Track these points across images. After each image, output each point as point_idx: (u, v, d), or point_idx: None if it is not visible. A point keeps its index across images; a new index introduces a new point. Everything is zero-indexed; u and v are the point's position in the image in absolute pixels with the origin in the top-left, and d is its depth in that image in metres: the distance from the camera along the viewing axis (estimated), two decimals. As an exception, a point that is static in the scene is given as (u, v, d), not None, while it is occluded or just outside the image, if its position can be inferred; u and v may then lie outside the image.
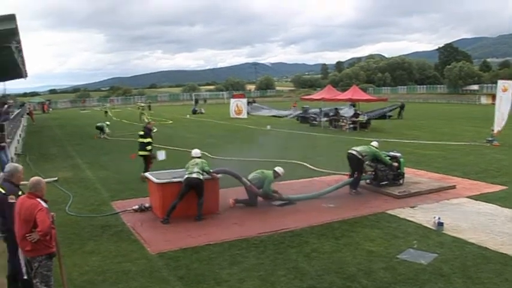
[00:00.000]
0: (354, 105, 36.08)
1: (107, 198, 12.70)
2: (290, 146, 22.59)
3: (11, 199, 6.12)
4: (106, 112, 62.97)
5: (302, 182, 14.39)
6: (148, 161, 15.00)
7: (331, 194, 12.49)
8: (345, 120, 32.16)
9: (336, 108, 35.60)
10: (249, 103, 52.31)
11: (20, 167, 6.61)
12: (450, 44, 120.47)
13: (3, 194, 6.24)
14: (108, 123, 31.09)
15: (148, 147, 15.03)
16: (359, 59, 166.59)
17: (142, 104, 53.45)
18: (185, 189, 10.34)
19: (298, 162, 17.83)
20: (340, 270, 7.45)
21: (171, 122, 41.36)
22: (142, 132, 15.34)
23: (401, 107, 41.81)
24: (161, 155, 15.11)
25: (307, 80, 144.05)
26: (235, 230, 9.66)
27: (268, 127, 32.68)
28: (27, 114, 50.85)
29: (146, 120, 41.39)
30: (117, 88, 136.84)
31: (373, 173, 13.26)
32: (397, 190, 12.66)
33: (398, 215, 10.56)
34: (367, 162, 13.04)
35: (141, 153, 15.14)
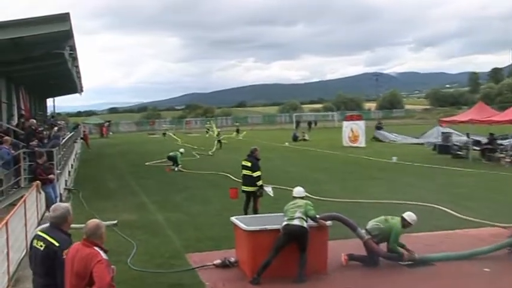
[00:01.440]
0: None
1: (181, 248, 12.99)
2: (424, 185, 22.04)
3: (66, 254, 6.05)
4: (164, 134, 66.22)
5: (441, 234, 13.90)
6: (256, 199, 15.45)
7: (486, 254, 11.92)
8: (504, 151, 30.87)
9: (491, 134, 34.23)
10: (377, 128, 52.02)
11: (69, 207, 6.61)
12: None
13: (57, 247, 6.17)
14: (182, 151, 32.19)
15: (259, 182, 15.39)
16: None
17: (217, 130, 54.64)
18: (283, 240, 10.34)
19: (436, 206, 17.28)
20: None
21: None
22: (249, 163, 15.64)
23: None
24: (268, 189, 15.35)
25: (449, 95, 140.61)
26: (349, 297, 9.49)
27: (394, 159, 32.10)
28: (81, 138, 53.94)
29: (211, 148, 42.84)
30: (196, 107, 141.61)
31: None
32: None
33: None
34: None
35: (247, 188, 15.54)
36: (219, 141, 46.36)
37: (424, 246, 12.29)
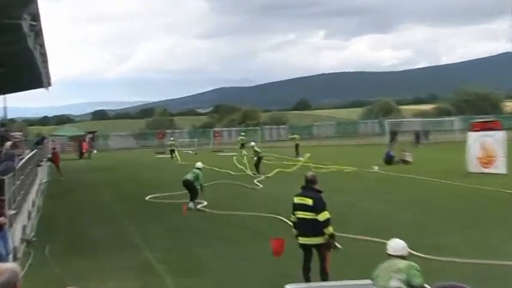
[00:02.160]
0: None
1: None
2: None
3: None
4: (172, 151, 67.62)
5: None
6: (325, 256, 15.15)
7: None
8: None
9: None
10: None
11: (17, 268, 6.50)
12: None
13: None
14: (200, 165, 31.97)
15: (329, 229, 14.96)
16: None
17: (252, 144, 54.60)
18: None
19: None
20: None
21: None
22: (308, 200, 15.21)
23: None
24: None
25: None
26: None
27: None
28: (49, 159, 55.10)
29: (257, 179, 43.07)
30: (230, 109, 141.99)
31: None
32: None
33: None
34: None
35: (308, 240, 15.26)
36: (256, 163, 47.64)
37: None
